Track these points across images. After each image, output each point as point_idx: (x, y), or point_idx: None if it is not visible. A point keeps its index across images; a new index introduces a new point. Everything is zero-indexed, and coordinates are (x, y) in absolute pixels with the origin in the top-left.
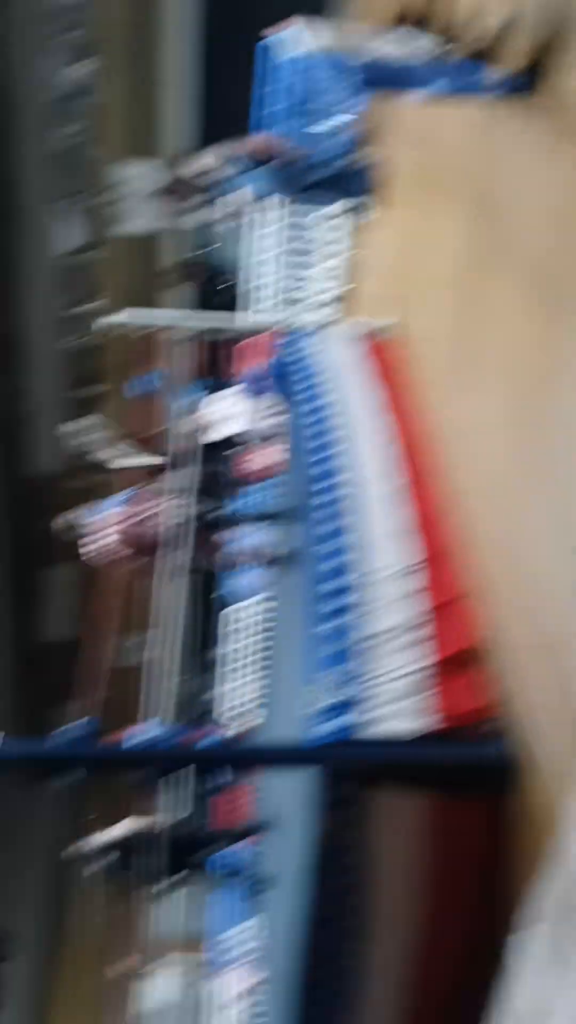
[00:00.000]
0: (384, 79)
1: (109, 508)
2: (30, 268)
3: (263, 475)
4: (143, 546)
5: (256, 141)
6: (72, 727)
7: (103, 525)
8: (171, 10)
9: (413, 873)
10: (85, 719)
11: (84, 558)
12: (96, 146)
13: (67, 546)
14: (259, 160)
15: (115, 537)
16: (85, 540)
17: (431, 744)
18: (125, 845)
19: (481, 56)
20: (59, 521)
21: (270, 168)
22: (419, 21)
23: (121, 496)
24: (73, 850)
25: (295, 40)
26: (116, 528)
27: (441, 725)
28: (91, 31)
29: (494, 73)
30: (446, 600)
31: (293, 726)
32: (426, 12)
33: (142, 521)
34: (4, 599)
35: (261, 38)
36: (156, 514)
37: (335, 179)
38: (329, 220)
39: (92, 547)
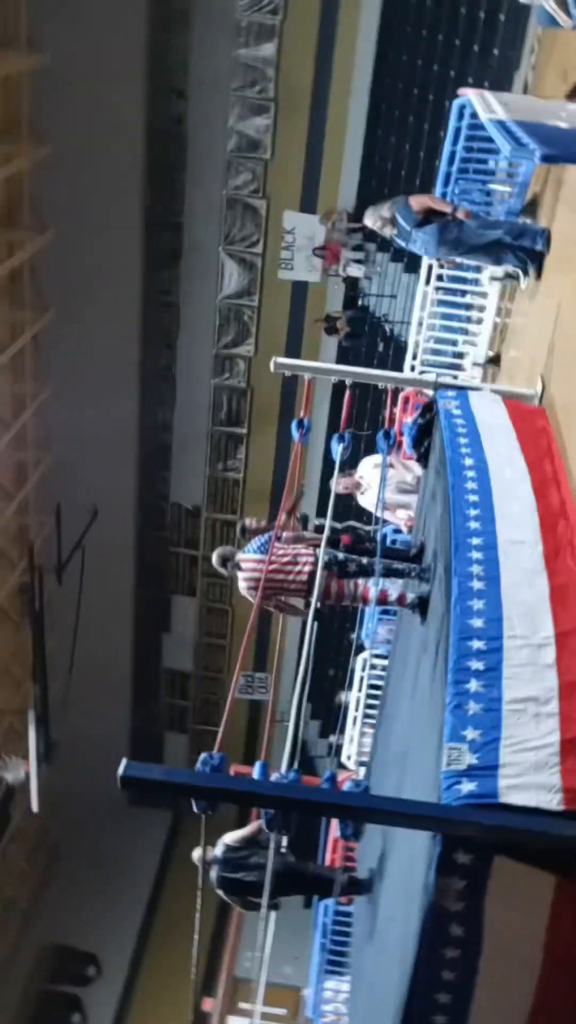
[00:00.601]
0: (562, 151)
1: (248, 552)
2: (191, 308)
3: (405, 524)
4: (277, 591)
5: (423, 200)
6: (204, 758)
7: (245, 572)
8: (347, 75)
9: (528, 954)
10: (213, 752)
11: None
12: (263, 197)
13: (196, 578)
14: (425, 219)
15: (250, 582)
16: (230, 577)
17: (560, 823)
18: (236, 863)
19: None
20: (212, 557)
21: (435, 227)
22: None
23: (259, 540)
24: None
25: (476, 106)
26: (252, 572)
27: (574, 802)
28: (272, 88)
29: None
30: None
31: (415, 784)
32: None
33: (279, 567)
34: (132, 625)
35: (429, 106)
36: (293, 559)
37: (499, 243)
38: (489, 283)
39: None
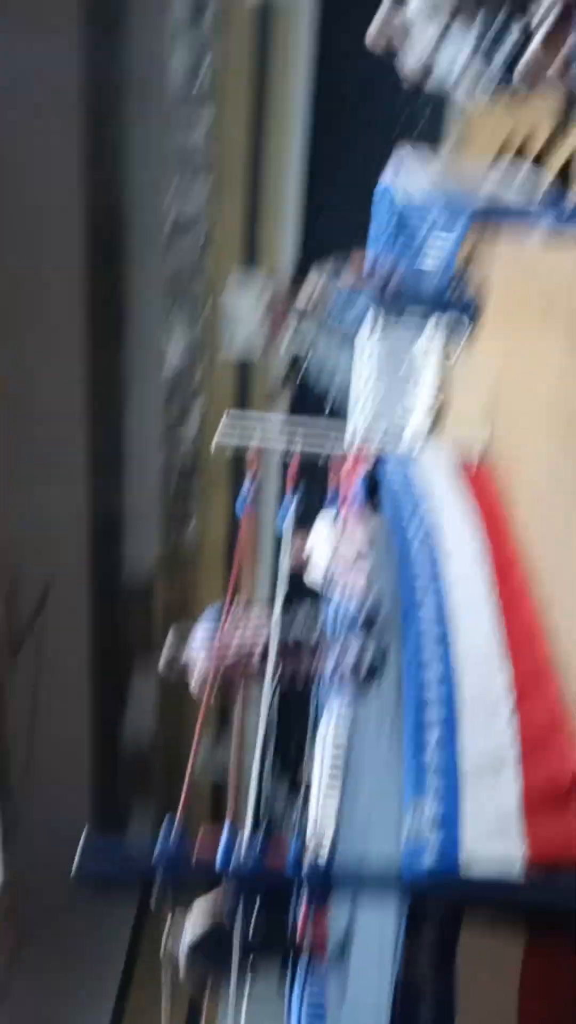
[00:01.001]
0: (488, 214)
1: (199, 633)
2: (137, 381)
3: (355, 591)
4: (233, 670)
5: (360, 263)
6: (163, 839)
7: (194, 654)
8: (282, 139)
9: (502, 1021)
10: (173, 830)
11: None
12: (205, 266)
13: (153, 651)
14: (358, 289)
15: (205, 665)
16: (180, 669)
17: (528, 884)
18: (203, 942)
19: None
20: (160, 660)
21: (373, 289)
22: (522, 158)
23: (205, 629)
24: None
25: (404, 171)
26: (206, 656)
27: (539, 863)
28: (205, 157)
29: None
30: (543, 728)
31: (380, 851)
32: (530, 151)
33: (232, 644)
34: (90, 700)
35: (364, 166)
36: (246, 634)
37: (435, 302)
38: (428, 341)
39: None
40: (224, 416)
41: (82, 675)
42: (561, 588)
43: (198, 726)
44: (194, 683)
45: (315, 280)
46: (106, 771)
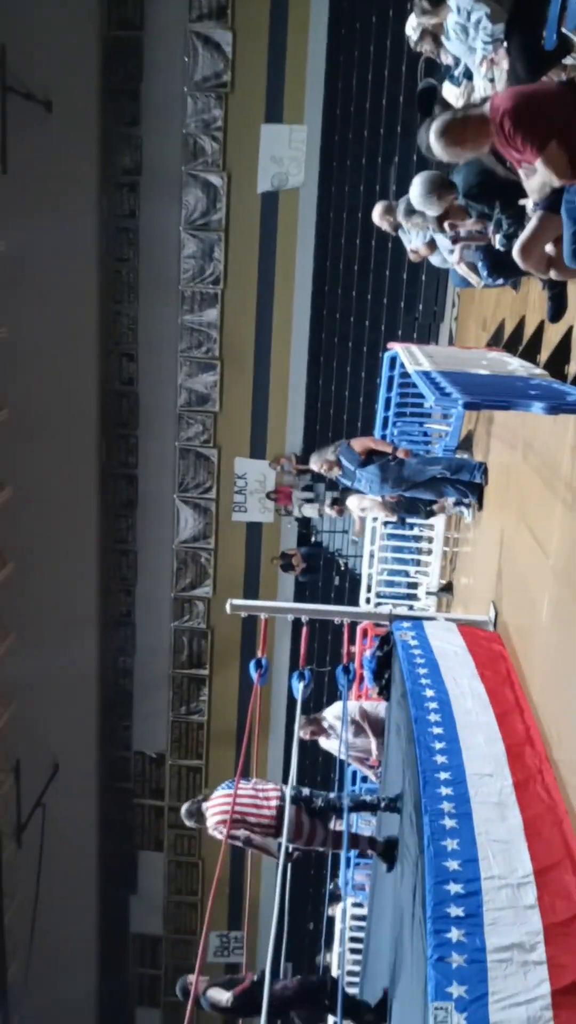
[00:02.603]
0: (483, 398)
1: (217, 792)
2: (148, 554)
3: (370, 762)
4: (245, 825)
5: (364, 441)
6: None
7: (211, 808)
8: (286, 333)
9: None
10: None
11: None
12: (214, 446)
13: (162, 831)
14: (367, 459)
15: (218, 816)
16: (199, 819)
17: None
18: None
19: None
20: (182, 810)
21: (376, 466)
22: (515, 344)
23: (225, 782)
24: None
25: (403, 359)
26: (220, 807)
27: None
28: (217, 348)
29: None
30: (569, 915)
31: None
32: (521, 336)
33: (246, 800)
34: (98, 888)
35: (363, 357)
36: (259, 795)
37: (440, 478)
38: (434, 515)
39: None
40: (228, 604)
41: (88, 861)
42: None
43: (214, 885)
44: (211, 820)
45: (327, 452)
46: (114, 966)
